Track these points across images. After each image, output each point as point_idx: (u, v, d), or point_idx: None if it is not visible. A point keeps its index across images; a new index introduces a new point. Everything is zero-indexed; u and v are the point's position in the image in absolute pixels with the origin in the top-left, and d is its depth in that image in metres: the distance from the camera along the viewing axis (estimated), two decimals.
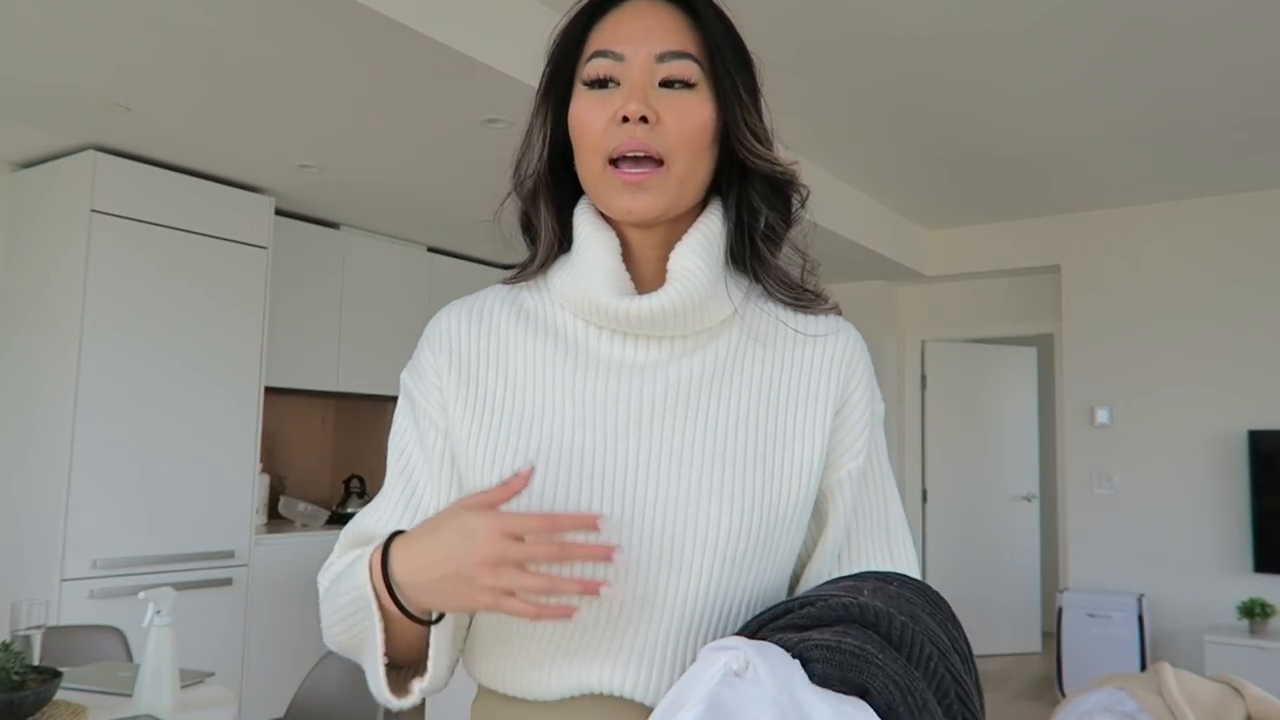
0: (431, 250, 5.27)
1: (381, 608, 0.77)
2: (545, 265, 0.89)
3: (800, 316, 0.89)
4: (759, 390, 0.85)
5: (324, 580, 0.89)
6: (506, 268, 5.63)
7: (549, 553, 0.69)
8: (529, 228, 0.91)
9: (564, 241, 0.89)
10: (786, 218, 0.90)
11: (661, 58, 0.81)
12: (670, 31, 0.82)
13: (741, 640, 0.70)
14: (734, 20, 0.85)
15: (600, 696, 0.80)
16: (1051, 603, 6.01)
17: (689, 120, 0.81)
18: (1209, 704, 1.20)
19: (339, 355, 4.71)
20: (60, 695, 2.04)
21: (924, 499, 6.13)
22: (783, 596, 0.85)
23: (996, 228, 5.59)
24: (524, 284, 0.90)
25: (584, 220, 0.86)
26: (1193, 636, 4.66)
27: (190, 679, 2.26)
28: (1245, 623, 4.48)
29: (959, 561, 6.10)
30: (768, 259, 0.89)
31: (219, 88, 3.01)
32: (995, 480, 6.34)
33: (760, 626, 0.75)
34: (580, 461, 0.80)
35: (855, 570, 0.88)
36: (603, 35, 0.83)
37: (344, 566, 0.85)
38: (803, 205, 0.90)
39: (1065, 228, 5.34)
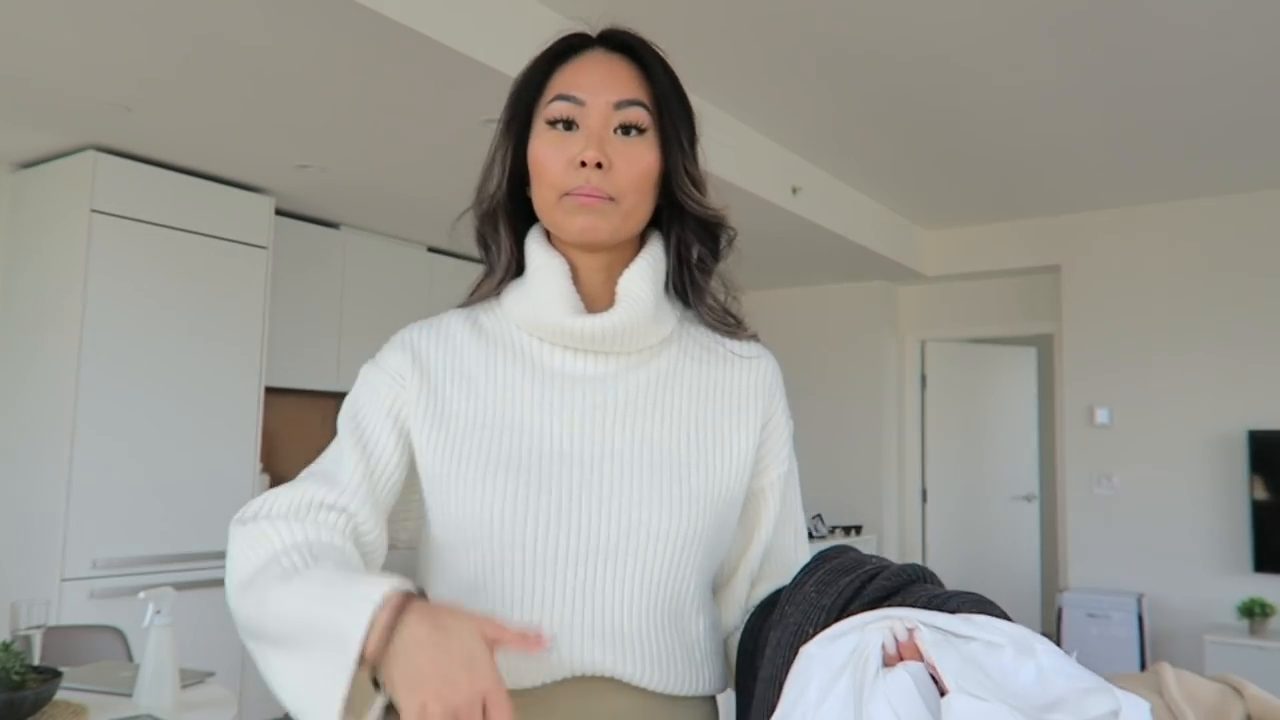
0: (431, 250, 5.27)
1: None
2: (500, 287, 0.98)
3: (728, 340, 1.00)
4: (696, 401, 0.96)
5: (266, 526, 0.86)
6: None
7: None
8: (486, 248, 1.00)
9: (517, 265, 0.98)
10: (716, 253, 1.00)
11: (618, 105, 0.91)
12: (625, 82, 0.92)
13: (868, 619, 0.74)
14: (677, 74, 0.96)
15: (581, 678, 0.87)
16: (1051, 603, 6.01)
17: (637, 166, 0.91)
18: (1209, 704, 1.20)
19: (339, 355, 4.71)
20: (60, 695, 2.04)
21: (924, 499, 6.13)
22: (710, 584, 0.98)
23: (996, 228, 5.59)
24: (480, 306, 1.00)
25: (537, 248, 0.95)
26: (1193, 636, 4.66)
27: (190, 679, 2.26)
28: (1245, 622, 4.48)
29: (959, 561, 6.10)
30: (702, 287, 0.99)
31: (219, 87, 3.01)
32: (995, 480, 6.34)
33: (845, 606, 0.81)
34: (540, 462, 0.89)
35: (776, 561, 1.01)
36: (564, 80, 0.92)
37: (325, 568, 0.79)
38: (730, 244, 1.00)
39: (1065, 228, 5.34)
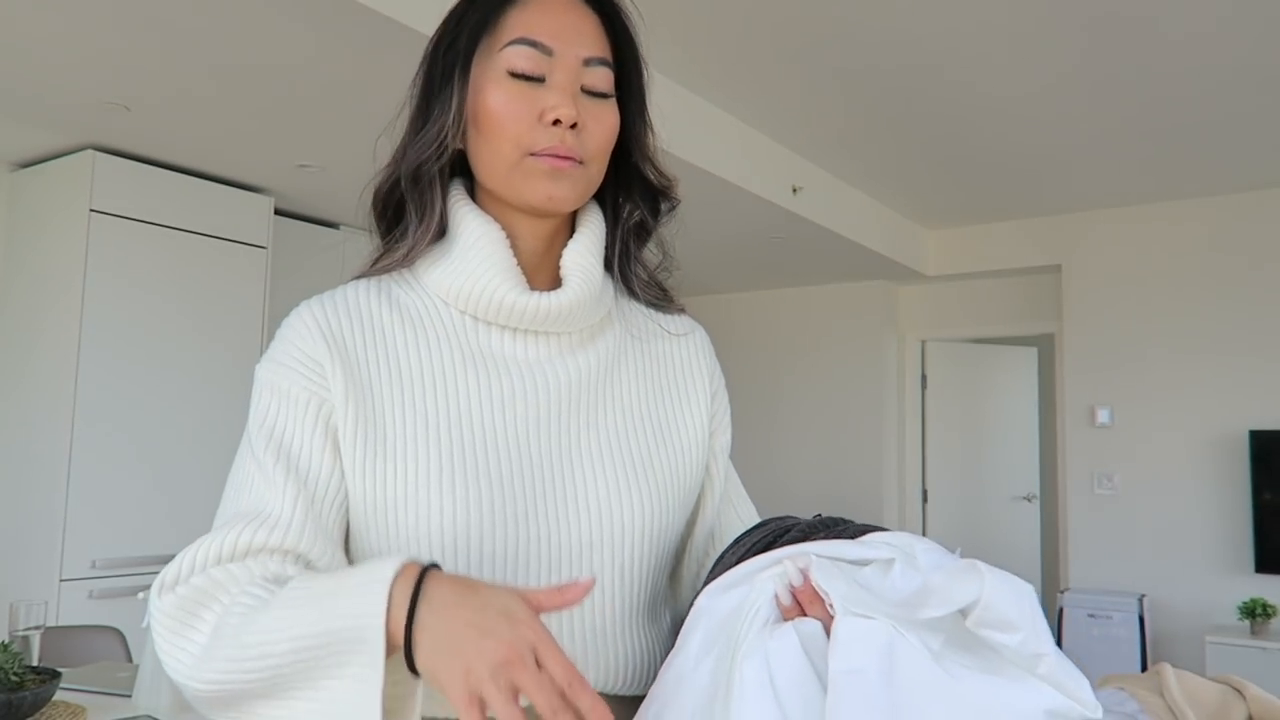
0: None
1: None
2: (410, 255, 0.84)
3: (660, 315, 0.94)
4: (645, 383, 0.89)
5: (202, 581, 0.71)
6: None
7: (549, 703, 0.58)
8: (394, 209, 0.87)
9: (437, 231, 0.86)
10: (656, 217, 0.92)
11: (588, 62, 0.82)
12: (594, 36, 0.83)
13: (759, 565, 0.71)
14: (640, 28, 0.88)
15: None
16: (1052, 603, 6.00)
17: (606, 129, 0.83)
18: (1210, 705, 1.20)
19: None
20: (59, 696, 2.03)
21: (924, 499, 6.12)
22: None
23: (996, 228, 5.58)
24: (389, 277, 0.86)
25: (470, 212, 0.83)
26: (1194, 637, 4.66)
27: None
28: (1246, 623, 4.48)
29: None
30: (635, 256, 0.92)
31: (219, 88, 3.01)
32: (995, 480, 6.33)
33: (747, 554, 0.77)
34: (498, 461, 0.78)
35: (725, 529, 0.94)
36: (524, 21, 0.81)
37: (304, 580, 0.67)
38: (671, 212, 0.92)
39: (1065, 228, 5.34)
